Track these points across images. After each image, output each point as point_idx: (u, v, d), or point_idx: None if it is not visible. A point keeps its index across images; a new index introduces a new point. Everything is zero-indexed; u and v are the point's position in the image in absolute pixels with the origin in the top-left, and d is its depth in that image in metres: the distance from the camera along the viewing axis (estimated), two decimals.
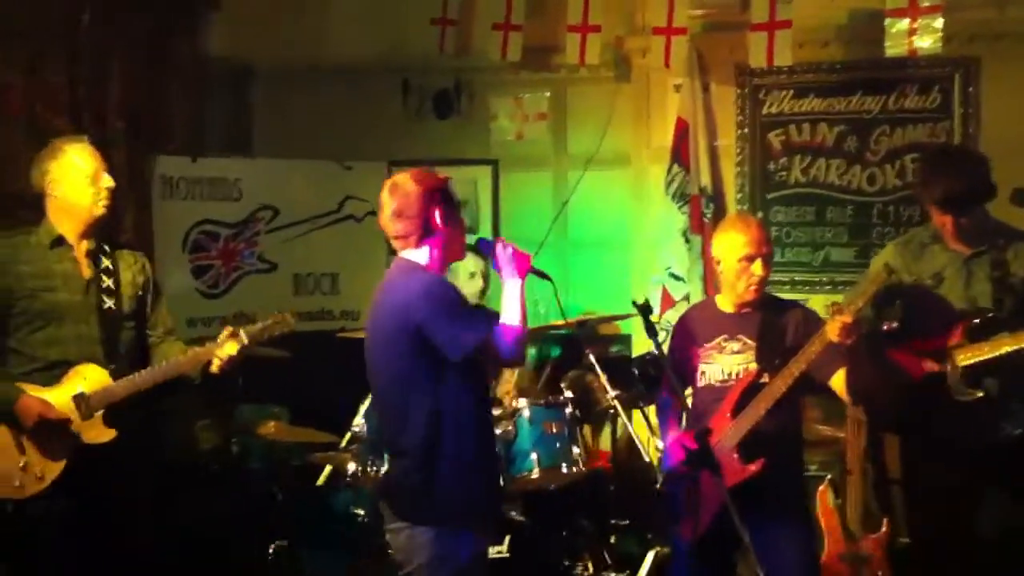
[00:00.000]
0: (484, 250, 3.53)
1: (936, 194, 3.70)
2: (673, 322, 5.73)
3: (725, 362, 3.80)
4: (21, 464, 3.57)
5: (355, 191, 6.42)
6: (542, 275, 3.51)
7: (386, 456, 3.71)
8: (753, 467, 3.60)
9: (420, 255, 3.36)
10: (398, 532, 3.33)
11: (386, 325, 3.32)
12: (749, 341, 3.78)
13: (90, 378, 3.64)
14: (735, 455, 3.64)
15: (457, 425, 3.28)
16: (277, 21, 6.73)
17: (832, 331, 3.50)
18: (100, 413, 3.63)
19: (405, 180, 3.34)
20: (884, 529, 4.36)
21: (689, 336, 3.94)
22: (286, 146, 6.61)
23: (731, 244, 3.75)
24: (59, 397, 3.60)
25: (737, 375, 3.78)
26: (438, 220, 3.33)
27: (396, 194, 3.34)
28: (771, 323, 3.79)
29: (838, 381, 3.72)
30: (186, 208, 6.00)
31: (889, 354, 3.74)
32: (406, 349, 3.24)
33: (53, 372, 3.63)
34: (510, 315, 3.30)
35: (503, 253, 3.38)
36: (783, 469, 3.70)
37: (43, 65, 5.22)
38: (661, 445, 4.07)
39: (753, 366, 3.75)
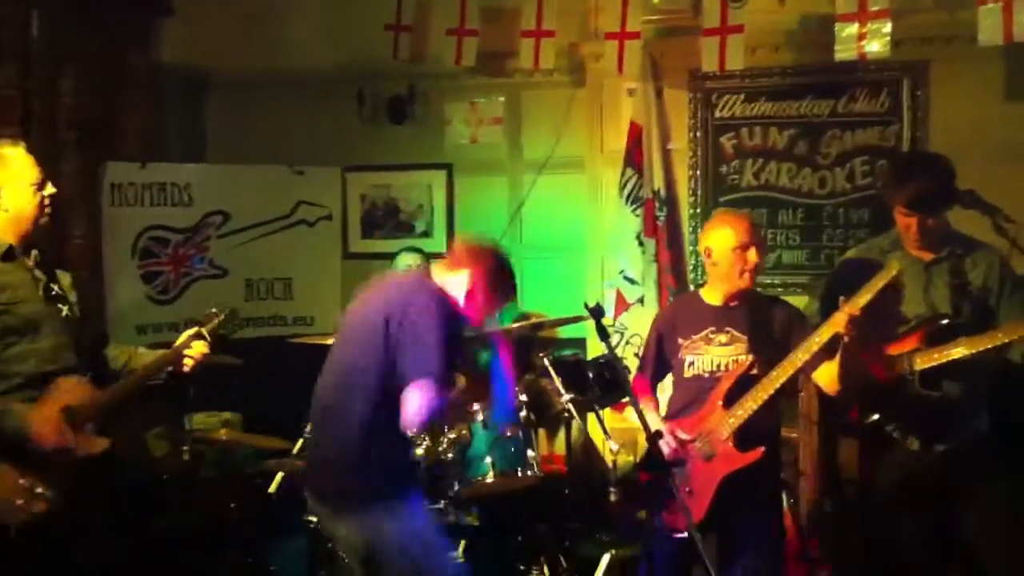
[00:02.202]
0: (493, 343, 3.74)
1: (908, 194, 3.72)
2: (627, 325, 5.82)
3: (714, 353, 3.89)
4: (24, 485, 3.36)
5: (308, 196, 6.40)
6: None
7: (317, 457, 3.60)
8: (752, 455, 3.69)
9: (452, 285, 3.48)
10: (350, 524, 3.38)
11: (377, 307, 3.41)
12: (738, 334, 3.87)
13: (73, 390, 3.50)
14: (731, 443, 3.73)
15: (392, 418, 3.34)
16: (231, 29, 6.69)
17: (839, 322, 3.55)
18: (90, 425, 3.50)
19: (498, 251, 3.58)
20: (837, 528, 4.39)
21: (674, 326, 4.01)
22: (241, 154, 6.57)
23: (724, 235, 3.85)
24: (49, 413, 3.43)
25: (726, 366, 3.86)
26: (493, 297, 3.51)
27: (482, 257, 3.51)
28: (759, 317, 3.89)
29: (822, 375, 3.78)
30: (135, 214, 5.93)
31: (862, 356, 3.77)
32: (381, 342, 3.32)
33: (30, 386, 3.47)
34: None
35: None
36: (767, 465, 3.79)
37: None
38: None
39: (744, 358, 3.84)
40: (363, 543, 3.38)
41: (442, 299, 3.42)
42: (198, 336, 3.73)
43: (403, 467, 3.55)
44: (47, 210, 3.63)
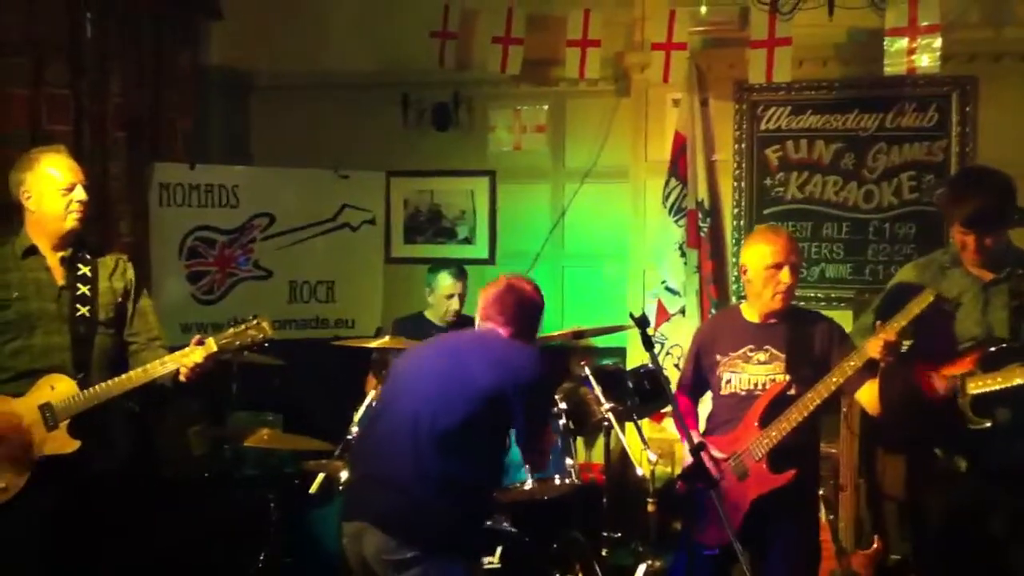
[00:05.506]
0: None
1: (966, 211, 3.65)
2: (668, 335, 5.82)
3: (751, 371, 3.82)
4: None
5: (352, 200, 6.45)
6: None
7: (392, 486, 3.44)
8: (784, 478, 3.65)
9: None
10: (417, 564, 3.30)
11: (482, 370, 3.44)
12: (776, 352, 3.80)
13: (57, 388, 3.59)
14: (764, 464, 3.69)
15: (499, 468, 3.76)
16: (277, 32, 6.77)
17: (873, 348, 3.51)
18: (65, 424, 3.57)
19: (535, 292, 3.65)
20: (875, 546, 4.36)
21: (713, 342, 3.95)
22: (284, 157, 6.61)
23: (759, 253, 3.78)
24: (25, 408, 3.57)
25: (763, 385, 3.80)
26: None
27: (525, 300, 3.61)
28: (798, 335, 3.81)
29: (864, 394, 3.73)
30: (183, 215, 6.01)
31: (914, 376, 3.69)
32: (496, 400, 3.39)
33: (21, 382, 3.60)
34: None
35: None
36: (803, 482, 3.73)
37: (47, 76, 5.23)
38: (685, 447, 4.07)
39: (781, 377, 3.78)
40: None
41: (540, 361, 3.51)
42: (199, 342, 3.69)
43: (479, 521, 3.64)
44: (74, 215, 3.68)
